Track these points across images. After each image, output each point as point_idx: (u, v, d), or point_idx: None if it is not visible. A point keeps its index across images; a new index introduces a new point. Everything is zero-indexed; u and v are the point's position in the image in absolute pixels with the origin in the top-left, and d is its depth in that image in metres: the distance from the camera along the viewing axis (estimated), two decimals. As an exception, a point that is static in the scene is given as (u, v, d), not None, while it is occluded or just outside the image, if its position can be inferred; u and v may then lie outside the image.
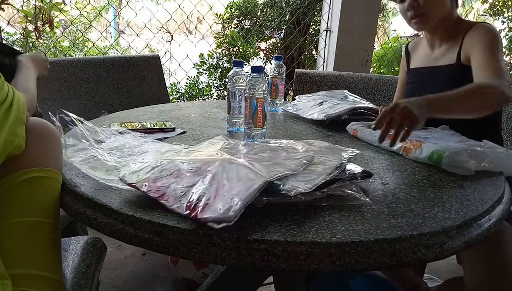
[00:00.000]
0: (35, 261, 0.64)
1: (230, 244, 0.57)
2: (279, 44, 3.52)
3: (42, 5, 2.17)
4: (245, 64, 2.83)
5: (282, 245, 0.56)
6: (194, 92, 2.93)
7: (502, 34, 4.46)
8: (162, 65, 2.06)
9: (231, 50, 3.06)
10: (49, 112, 0.85)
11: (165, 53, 2.81)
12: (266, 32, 3.39)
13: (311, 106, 1.35)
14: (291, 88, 2.75)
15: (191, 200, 0.61)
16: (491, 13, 4.68)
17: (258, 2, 3.42)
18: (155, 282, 1.59)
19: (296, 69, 1.94)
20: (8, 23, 2.30)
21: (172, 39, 2.92)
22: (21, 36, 2.34)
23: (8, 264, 0.59)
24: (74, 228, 1.23)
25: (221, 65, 3.03)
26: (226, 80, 2.89)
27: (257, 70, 1.00)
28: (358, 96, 1.43)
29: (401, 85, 1.43)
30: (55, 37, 2.81)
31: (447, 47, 1.22)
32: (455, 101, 0.95)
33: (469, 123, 1.01)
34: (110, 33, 5.20)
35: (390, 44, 3.79)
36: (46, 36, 2.64)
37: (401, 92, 1.43)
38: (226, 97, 1.15)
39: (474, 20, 1.53)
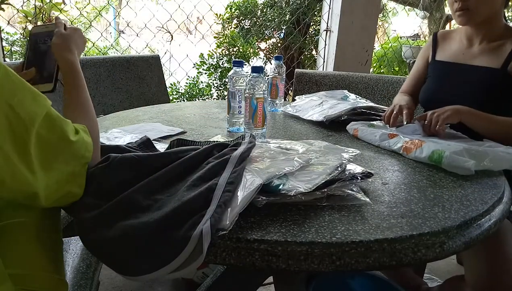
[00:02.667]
0: (39, 261, 0.64)
1: (230, 244, 0.57)
2: (279, 44, 3.52)
3: (42, 5, 2.17)
4: (245, 64, 2.83)
5: (282, 245, 0.56)
6: (194, 92, 2.93)
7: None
8: (162, 65, 2.06)
9: (231, 50, 3.05)
10: None
11: (165, 53, 2.81)
12: (266, 32, 3.39)
13: (311, 107, 1.35)
14: (291, 88, 2.75)
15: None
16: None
17: (258, 2, 3.42)
18: (155, 282, 1.59)
19: (296, 69, 1.94)
20: (8, 23, 2.30)
21: (172, 39, 2.93)
22: (21, 36, 2.34)
23: (13, 264, 0.59)
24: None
25: (221, 65, 3.03)
26: (226, 80, 2.90)
27: (257, 70, 1.00)
28: (358, 96, 1.43)
29: (417, 72, 1.34)
30: (55, 37, 2.80)
31: (489, 48, 1.16)
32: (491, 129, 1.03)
33: None
34: (110, 33, 5.20)
35: (390, 44, 3.79)
36: (46, 36, 2.64)
37: (415, 81, 1.34)
38: (226, 97, 1.15)
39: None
